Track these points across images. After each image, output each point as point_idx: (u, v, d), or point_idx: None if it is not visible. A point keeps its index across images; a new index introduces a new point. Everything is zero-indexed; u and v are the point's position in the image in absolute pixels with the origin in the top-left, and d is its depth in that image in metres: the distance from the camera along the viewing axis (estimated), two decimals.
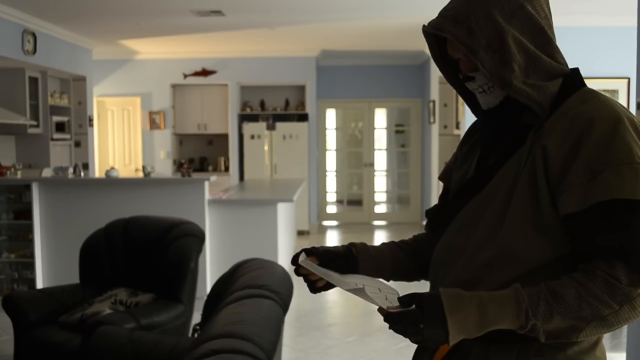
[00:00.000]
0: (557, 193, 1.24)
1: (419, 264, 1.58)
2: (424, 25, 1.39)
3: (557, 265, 1.27)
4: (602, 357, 1.34)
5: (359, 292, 1.28)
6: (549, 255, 1.26)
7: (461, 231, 1.39)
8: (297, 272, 1.48)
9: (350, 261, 1.50)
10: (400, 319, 1.21)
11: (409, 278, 1.62)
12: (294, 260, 1.47)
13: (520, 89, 1.30)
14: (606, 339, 4.88)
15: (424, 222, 1.65)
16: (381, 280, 1.48)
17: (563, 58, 1.38)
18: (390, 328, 1.24)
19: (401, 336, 1.26)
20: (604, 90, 7.61)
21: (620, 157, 1.20)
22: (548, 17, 1.36)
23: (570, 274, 1.22)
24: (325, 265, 1.45)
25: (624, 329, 4.94)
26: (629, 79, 7.29)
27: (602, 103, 1.29)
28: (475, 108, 1.50)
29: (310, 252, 1.47)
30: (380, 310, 1.26)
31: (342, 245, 1.54)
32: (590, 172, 1.21)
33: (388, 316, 1.23)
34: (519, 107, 1.36)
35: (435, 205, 1.60)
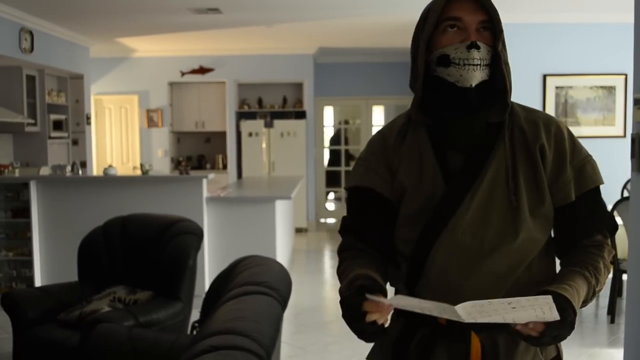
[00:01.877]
0: (554, 189, 1.50)
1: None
2: None
3: (549, 243, 1.55)
4: None
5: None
6: (547, 236, 1.53)
7: (473, 229, 1.45)
8: (356, 314, 1.34)
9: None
10: (560, 326, 1.32)
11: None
12: (357, 307, 1.34)
13: (509, 72, 1.51)
14: (603, 335, 4.89)
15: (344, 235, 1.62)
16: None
17: None
18: (540, 340, 1.33)
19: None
20: (601, 87, 7.65)
21: (585, 153, 1.55)
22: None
23: (586, 248, 1.51)
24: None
25: (622, 325, 4.95)
26: (626, 75, 7.30)
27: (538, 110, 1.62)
28: (425, 103, 1.53)
29: (370, 291, 1.35)
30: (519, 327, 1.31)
31: (376, 283, 1.43)
32: (575, 169, 1.51)
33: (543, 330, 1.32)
34: (492, 95, 1.50)
35: (364, 217, 1.57)
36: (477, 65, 1.45)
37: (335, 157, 11.40)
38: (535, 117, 1.54)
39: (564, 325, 1.31)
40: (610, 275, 5.51)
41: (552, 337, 1.32)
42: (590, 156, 1.55)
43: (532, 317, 1.27)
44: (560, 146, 1.51)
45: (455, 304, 1.24)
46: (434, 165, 1.49)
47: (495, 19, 1.47)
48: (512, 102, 1.54)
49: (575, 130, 4.19)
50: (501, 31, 1.48)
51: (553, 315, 1.26)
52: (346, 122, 11.60)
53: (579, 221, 1.52)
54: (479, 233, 1.45)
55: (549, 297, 1.24)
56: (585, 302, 1.46)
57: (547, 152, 1.49)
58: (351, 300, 1.34)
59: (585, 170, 1.52)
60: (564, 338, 1.34)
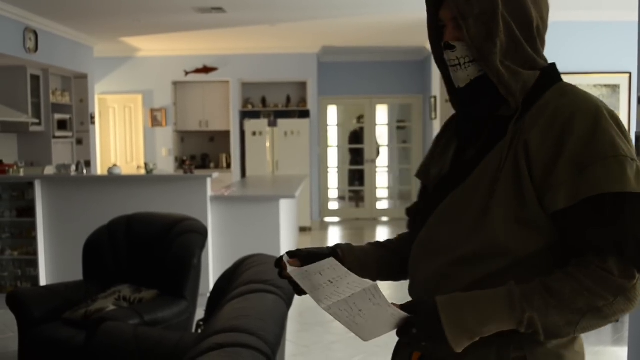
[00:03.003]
0: (543, 190, 1.24)
1: (403, 263, 1.53)
2: None
3: (547, 255, 1.27)
4: (580, 351, 1.34)
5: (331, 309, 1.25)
6: (536, 246, 1.26)
7: (440, 225, 1.37)
8: (281, 275, 1.43)
9: None
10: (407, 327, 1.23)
11: (395, 277, 1.60)
12: (277, 263, 1.43)
13: (494, 66, 1.31)
14: (607, 334, 4.89)
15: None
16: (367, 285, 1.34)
17: (544, 56, 1.40)
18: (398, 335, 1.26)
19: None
20: (605, 86, 7.63)
21: (604, 150, 1.20)
22: (542, 18, 1.37)
23: (564, 268, 1.23)
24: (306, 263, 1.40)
25: (626, 323, 4.95)
26: (630, 73, 7.28)
27: (580, 96, 1.30)
28: (455, 97, 1.47)
29: (293, 254, 1.44)
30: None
31: (328, 247, 1.53)
32: (576, 168, 1.21)
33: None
34: (488, 91, 1.35)
35: (415, 203, 1.58)
36: (455, 65, 1.37)
37: (356, 155, 11.42)
38: (552, 104, 1.29)
39: (415, 331, 1.22)
40: None
41: (410, 337, 1.23)
42: (614, 156, 1.20)
43: (382, 317, 1.22)
44: (561, 139, 1.23)
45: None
46: (449, 158, 1.47)
47: (460, 11, 1.32)
48: (555, 88, 1.33)
49: None
50: (465, 16, 1.31)
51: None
52: (359, 120, 11.55)
53: (570, 236, 1.24)
54: (443, 232, 1.36)
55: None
56: (496, 325, 1.21)
57: (532, 148, 1.25)
58: (277, 260, 1.45)
59: (589, 172, 1.20)
60: (428, 344, 1.24)
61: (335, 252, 1.50)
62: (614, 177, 1.19)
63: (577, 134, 1.22)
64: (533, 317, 1.19)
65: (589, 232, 1.21)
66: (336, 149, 11.61)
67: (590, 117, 1.24)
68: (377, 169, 11.37)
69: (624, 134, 1.25)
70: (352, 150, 11.67)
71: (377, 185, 11.43)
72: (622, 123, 1.27)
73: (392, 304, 1.21)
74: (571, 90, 1.32)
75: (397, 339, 1.35)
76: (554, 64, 1.39)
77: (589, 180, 1.19)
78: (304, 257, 1.43)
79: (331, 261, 1.31)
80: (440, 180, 1.45)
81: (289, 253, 1.44)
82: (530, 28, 1.34)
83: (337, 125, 11.64)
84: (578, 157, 1.21)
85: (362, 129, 11.30)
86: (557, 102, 1.28)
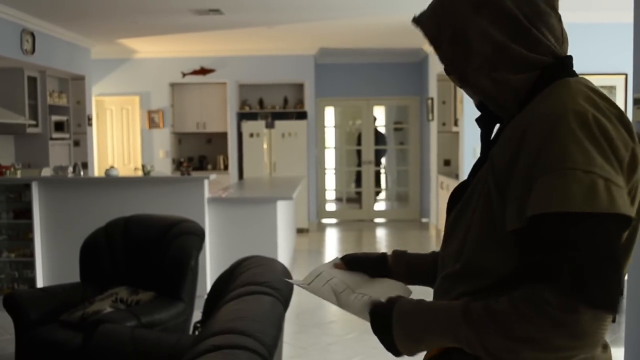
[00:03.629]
0: (504, 209, 1.15)
1: None
2: (414, 16, 1.38)
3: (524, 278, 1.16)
4: None
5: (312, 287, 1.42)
6: (513, 266, 1.16)
7: (446, 240, 1.34)
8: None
9: (379, 265, 1.53)
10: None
11: None
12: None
13: (474, 83, 1.26)
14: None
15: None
16: (389, 284, 1.47)
17: (549, 48, 1.23)
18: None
19: None
20: (601, 87, 7.64)
21: (550, 164, 1.07)
22: (529, 4, 1.23)
23: (512, 293, 1.11)
24: (352, 269, 1.51)
25: (622, 324, 4.95)
26: (626, 75, 7.31)
27: (556, 98, 1.16)
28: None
29: (345, 258, 1.54)
30: None
31: (378, 253, 1.57)
32: (526, 184, 1.10)
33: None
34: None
35: None
36: (460, 86, 1.33)
37: (355, 157, 11.44)
38: (522, 113, 1.19)
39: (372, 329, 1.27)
40: None
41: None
42: (559, 170, 1.05)
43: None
44: (517, 152, 1.13)
45: None
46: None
47: (432, 41, 1.29)
48: (546, 91, 1.20)
49: None
50: (438, 45, 1.29)
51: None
52: (398, 123, 11.52)
53: (522, 259, 1.12)
54: (445, 247, 1.34)
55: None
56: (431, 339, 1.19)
57: (495, 162, 1.17)
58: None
59: (539, 188, 1.07)
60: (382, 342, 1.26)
61: (384, 257, 1.55)
62: (555, 194, 1.05)
63: (531, 144, 1.11)
64: (470, 337, 1.12)
65: (531, 256, 1.09)
66: (333, 150, 11.62)
67: (547, 124, 1.11)
68: (375, 170, 11.38)
69: (597, 143, 1.08)
70: (350, 152, 11.67)
71: (375, 187, 11.45)
72: (605, 130, 1.10)
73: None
74: (556, 92, 1.18)
75: None
76: (563, 58, 1.25)
77: (533, 199, 1.07)
78: (348, 260, 1.52)
79: (327, 265, 1.49)
80: (450, 195, 1.43)
81: (342, 257, 1.53)
82: (516, 23, 1.21)
83: (335, 126, 11.65)
84: (527, 171, 1.10)
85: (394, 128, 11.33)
86: (531, 107, 1.18)
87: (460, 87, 1.32)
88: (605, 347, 1.23)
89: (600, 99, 1.17)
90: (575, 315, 1.02)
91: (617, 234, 1.07)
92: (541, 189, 1.06)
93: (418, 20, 1.34)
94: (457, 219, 1.29)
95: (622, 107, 7.36)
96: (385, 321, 1.23)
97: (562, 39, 1.26)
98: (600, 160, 1.06)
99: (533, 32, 1.22)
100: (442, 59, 1.31)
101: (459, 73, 1.28)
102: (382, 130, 11.71)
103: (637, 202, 1.16)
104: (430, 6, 1.32)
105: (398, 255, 1.55)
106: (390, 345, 1.23)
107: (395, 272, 1.52)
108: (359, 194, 11.44)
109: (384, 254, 1.55)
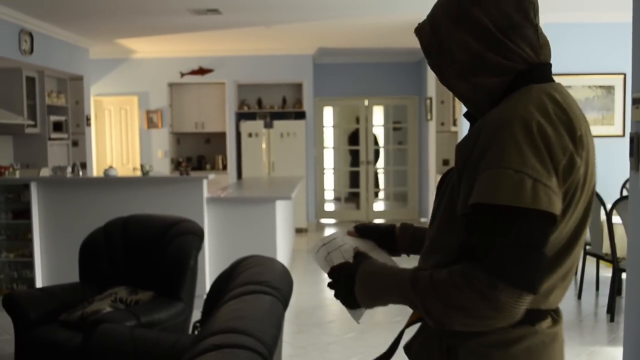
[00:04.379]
0: (458, 197, 1.35)
1: None
2: (416, 27, 1.53)
3: None
4: (520, 356, 1.35)
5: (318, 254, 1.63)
6: None
7: (430, 222, 1.53)
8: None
9: (387, 235, 1.72)
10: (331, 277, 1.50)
11: None
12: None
13: (453, 87, 1.43)
14: (603, 334, 4.90)
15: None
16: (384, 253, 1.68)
17: (522, 56, 1.36)
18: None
19: (400, 333, 1.54)
20: (600, 87, 7.66)
21: (490, 161, 1.24)
22: (503, 18, 1.35)
23: (451, 266, 1.29)
24: (363, 237, 1.70)
25: (621, 323, 4.97)
26: (625, 74, 7.32)
27: (512, 103, 1.31)
28: None
29: (357, 226, 1.74)
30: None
31: (392, 224, 1.76)
32: (473, 176, 1.28)
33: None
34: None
35: None
36: (449, 89, 1.50)
37: (353, 157, 11.46)
38: (490, 114, 1.34)
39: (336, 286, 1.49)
40: (609, 274, 5.52)
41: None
42: (495, 168, 1.23)
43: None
44: (472, 150, 1.31)
45: None
46: None
47: (426, 49, 1.46)
48: (511, 95, 1.35)
49: None
50: (429, 53, 1.45)
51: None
52: (397, 123, 11.53)
53: (465, 239, 1.30)
54: (429, 229, 1.53)
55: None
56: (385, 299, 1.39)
57: (458, 155, 1.35)
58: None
59: (479, 181, 1.25)
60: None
61: (392, 228, 1.73)
62: (489, 188, 1.22)
63: (480, 143, 1.28)
64: (415, 300, 1.30)
65: (470, 238, 1.26)
66: (332, 150, 11.62)
67: (495, 127, 1.27)
68: (374, 170, 11.38)
69: (535, 146, 1.24)
70: (349, 152, 11.67)
71: (374, 187, 11.45)
72: (546, 136, 1.25)
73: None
74: (516, 97, 1.33)
75: (394, 339, 1.56)
76: (535, 65, 1.38)
77: (474, 190, 1.25)
78: (360, 229, 1.71)
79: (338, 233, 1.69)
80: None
81: (355, 226, 1.74)
82: (490, 35, 1.35)
83: (333, 126, 11.65)
84: (475, 166, 1.28)
85: (357, 129, 11.32)
86: (491, 113, 1.33)
87: (450, 90, 1.48)
88: (556, 322, 1.40)
89: (555, 106, 1.30)
90: (496, 291, 1.20)
91: (539, 227, 1.23)
92: (480, 182, 1.24)
93: (418, 31, 1.50)
94: (437, 203, 1.49)
95: (621, 106, 7.39)
96: (349, 278, 1.44)
97: (539, 45, 1.39)
98: (534, 162, 1.23)
99: (506, 43, 1.36)
100: (432, 66, 1.47)
101: (445, 79, 1.45)
102: (379, 130, 11.71)
103: (578, 199, 1.32)
104: (426, 19, 1.49)
105: (405, 227, 1.73)
106: (350, 298, 1.45)
107: (400, 243, 1.71)
108: (356, 194, 11.44)
109: (392, 225, 1.74)
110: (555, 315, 1.40)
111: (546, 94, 1.32)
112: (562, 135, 1.26)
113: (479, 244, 1.23)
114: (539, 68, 1.38)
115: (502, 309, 1.21)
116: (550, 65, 1.42)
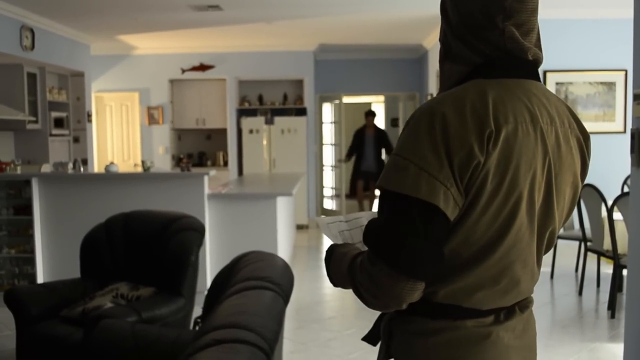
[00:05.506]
0: None
1: None
2: None
3: None
4: (446, 344, 1.36)
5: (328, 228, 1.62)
6: None
7: None
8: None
9: None
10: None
11: None
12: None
13: (442, 70, 1.46)
14: (604, 330, 4.91)
15: None
16: None
17: (483, 51, 1.36)
18: None
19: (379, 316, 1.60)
20: (601, 83, 7.65)
21: (394, 148, 1.32)
22: (467, 15, 1.37)
23: None
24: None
25: (622, 320, 4.97)
26: (626, 71, 7.31)
27: (439, 95, 1.35)
28: None
29: None
30: None
31: None
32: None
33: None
34: None
35: None
36: None
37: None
38: None
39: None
40: (610, 271, 5.52)
41: None
42: (393, 154, 1.30)
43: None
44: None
45: None
46: None
47: (440, 38, 1.49)
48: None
49: None
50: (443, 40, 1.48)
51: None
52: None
53: None
54: None
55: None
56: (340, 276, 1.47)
57: None
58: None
59: (385, 165, 1.35)
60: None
61: None
62: (384, 172, 1.29)
63: (400, 135, 1.35)
64: (351, 282, 1.36)
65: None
66: (332, 146, 11.60)
67: (413, 115, 1.32)
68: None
69: (432, 138, 1.25)
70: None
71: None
72: (446, 130, 1.25)
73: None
74: (454, 88, 1.35)
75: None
76: (495, 59, 1.36)
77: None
78: None
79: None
80: None
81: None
82: (455, 25, 1.39)
83: (334, 122, 11.63)
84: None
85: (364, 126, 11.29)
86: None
87: None
88: (496, 323, 1.37)
89: (479, 101, 1.28)
90: (375, 267, 1.27)
91: (419, 215, 1.24)
92: (385, 170, 1.30)
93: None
94: None
95: (622, 103, 7.38)
96: (326, 262, 1.53)
97: (505, 49, 1.36)
98: (426, 152, 1.24)
99: (468, 36, 1.37)
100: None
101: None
102: (381, 126, 11.69)
103: (491, 199, 1.28)
104: None
105: None
106: (330, 279, 1.53)
107: None
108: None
109: None
110: (500, 316, 1.37)
111: (480, 89, 1.30)
112: (467, 129, 1.24)
113: (371, 225, 1.30)
114: (499, 63, 1.36)
115: (381, 286, 1.27)
116: (521, 61, 1.37)
